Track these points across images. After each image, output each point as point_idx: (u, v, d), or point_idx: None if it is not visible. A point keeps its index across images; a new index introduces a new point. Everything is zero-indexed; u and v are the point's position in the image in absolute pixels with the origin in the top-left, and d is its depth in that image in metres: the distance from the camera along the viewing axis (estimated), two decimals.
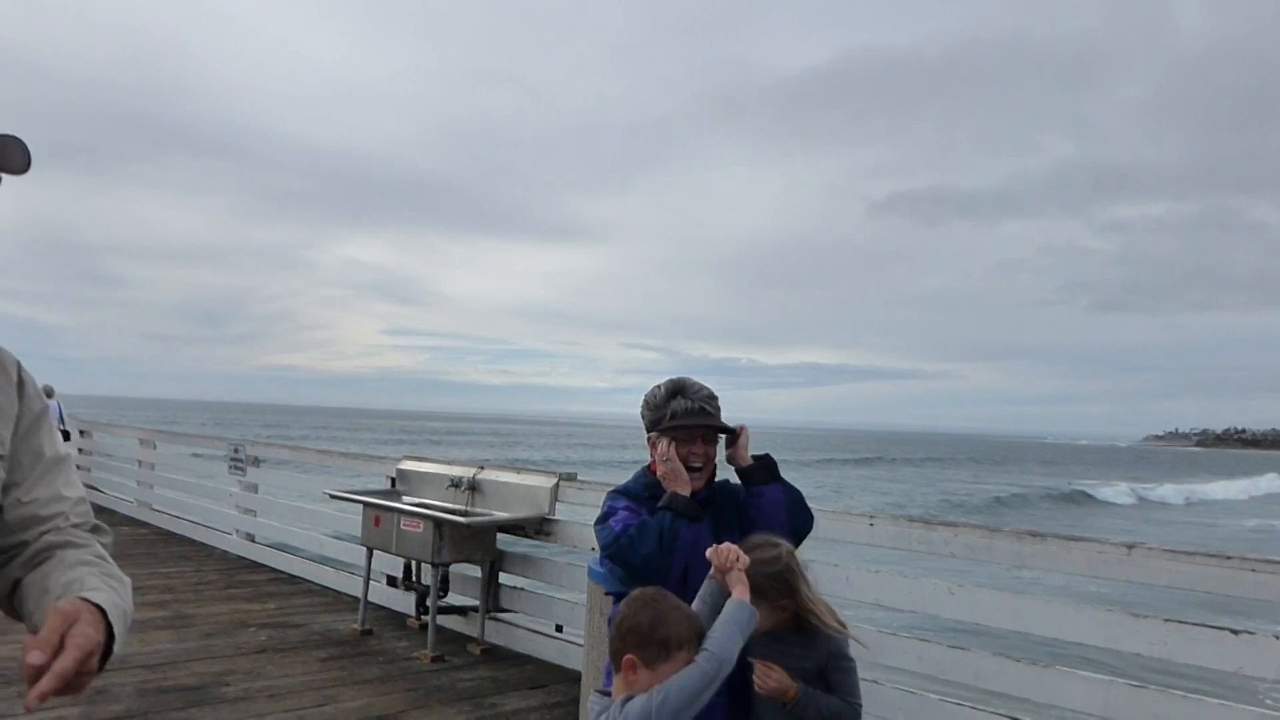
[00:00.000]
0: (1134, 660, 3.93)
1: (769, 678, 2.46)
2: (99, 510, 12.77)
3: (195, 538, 10.66)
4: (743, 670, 2.42)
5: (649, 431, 2.89)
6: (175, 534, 10.98)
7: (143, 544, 10.28)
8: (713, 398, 2.88)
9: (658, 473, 2.82)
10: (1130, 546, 3.81)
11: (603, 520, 2.83)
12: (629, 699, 2.07)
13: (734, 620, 2.16)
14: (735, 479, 2.97)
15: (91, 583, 1.43)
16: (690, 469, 2.80)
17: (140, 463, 12.66)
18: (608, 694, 2.22)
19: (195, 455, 12.17)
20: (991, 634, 4.56)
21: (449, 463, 7.49)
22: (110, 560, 1.60)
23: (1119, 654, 3.85)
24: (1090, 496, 48.97)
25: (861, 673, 4.55)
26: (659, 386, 2.90)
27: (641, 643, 2.07)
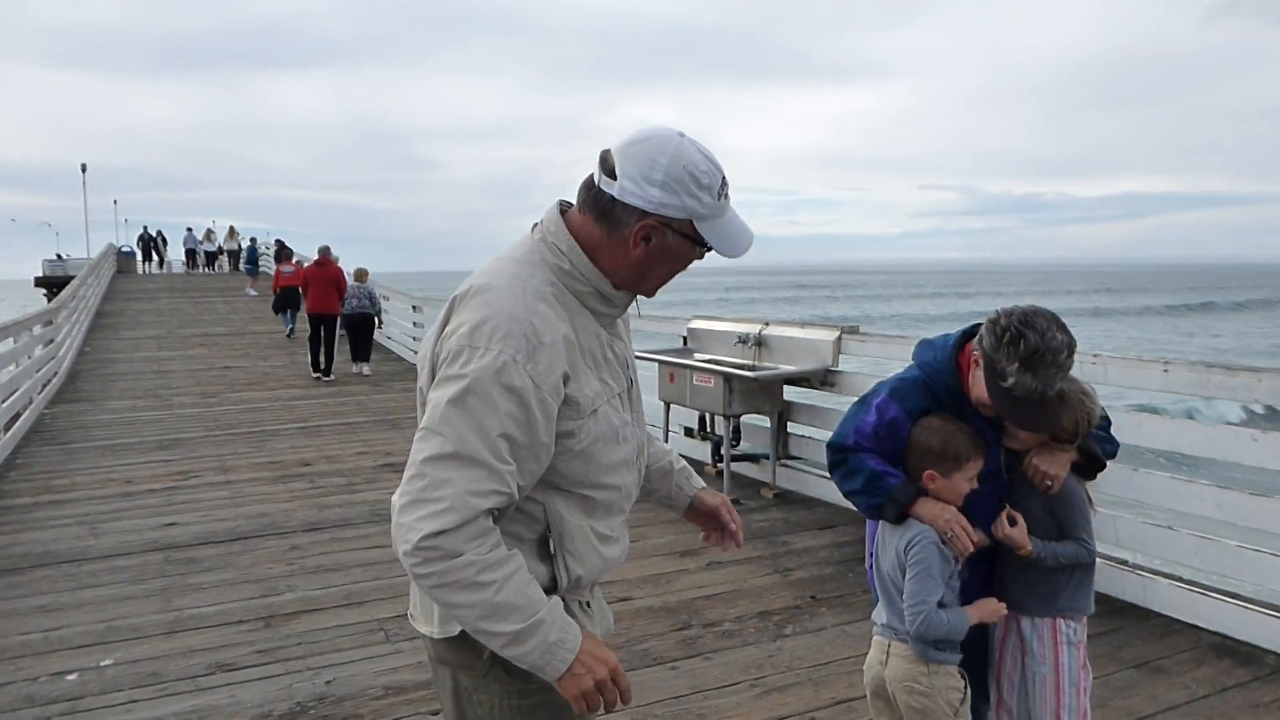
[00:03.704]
0: None
1: (1003, 527, 2.40)
2: None
3: None
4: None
5: (980, 360, 2.26)
6: None
7: None
8: (1063, 373, 2.21)
9: (928, 514, 2.34)
10: None
11: (862, 406, 2.49)
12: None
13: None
14: None
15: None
16: (993, 426, 2.40)
17: None
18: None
19: None
20: None
21: (735, 320, 7.88)
22: None
23: None
24: None
25: (1155, 518, 4.51)
26: (1011, 333, 2.17)
27: (936, 460, 2.37)
